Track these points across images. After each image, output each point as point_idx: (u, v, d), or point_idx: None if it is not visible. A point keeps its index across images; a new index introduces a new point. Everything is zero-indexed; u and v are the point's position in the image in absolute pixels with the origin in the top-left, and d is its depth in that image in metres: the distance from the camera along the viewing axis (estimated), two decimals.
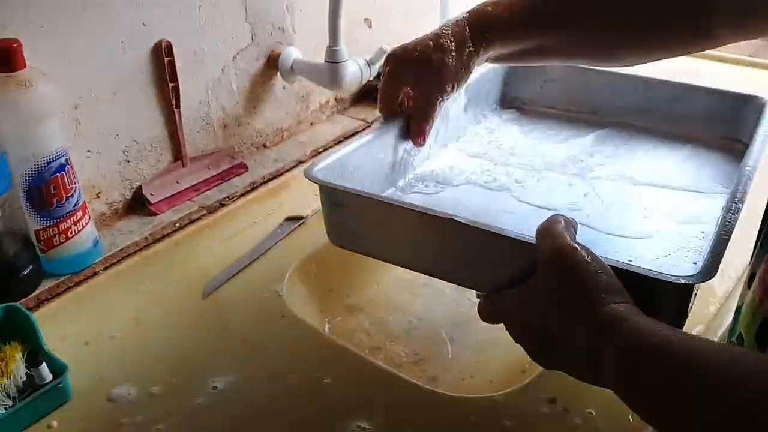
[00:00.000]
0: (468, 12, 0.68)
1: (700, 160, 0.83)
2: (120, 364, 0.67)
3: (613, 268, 0.47)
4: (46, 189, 0.70)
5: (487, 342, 0.79)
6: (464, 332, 0.81)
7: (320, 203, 0.63)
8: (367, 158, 0.69)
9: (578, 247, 0.46)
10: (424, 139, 0.71)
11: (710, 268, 0.49)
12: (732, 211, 0.56)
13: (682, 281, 0.48)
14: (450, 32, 0.66)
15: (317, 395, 0.63)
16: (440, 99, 0.68)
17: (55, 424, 0.61)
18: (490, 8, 0.68)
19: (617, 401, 0.58)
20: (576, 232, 0.49)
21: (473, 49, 0.66)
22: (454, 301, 0.85)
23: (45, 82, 0.68)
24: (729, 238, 0.53)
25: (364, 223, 0.60)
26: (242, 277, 0.78)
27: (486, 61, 0.70)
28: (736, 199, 0.58)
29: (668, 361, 0.40)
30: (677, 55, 0.68)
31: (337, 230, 0.63)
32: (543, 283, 0.46)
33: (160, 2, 0.80)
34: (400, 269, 0.90)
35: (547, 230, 0.47)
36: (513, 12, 0.67)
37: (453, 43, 0.66)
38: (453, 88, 0.68)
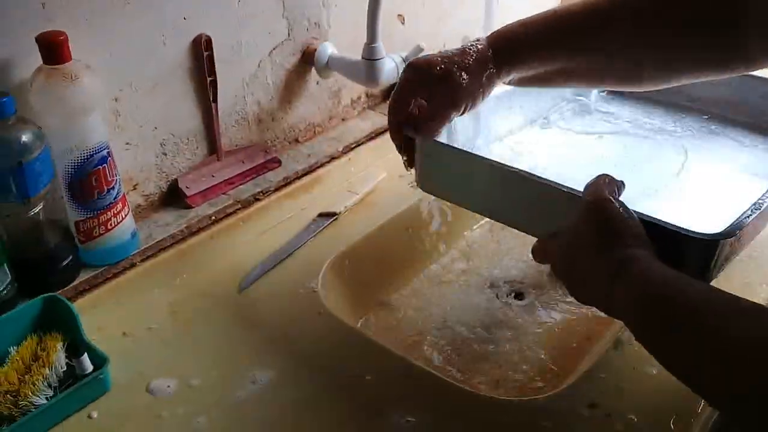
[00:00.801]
0: (494, 32, 0.67)
1: None
2: (158, 356, 0.68)
3: (643, 222, 0.53)
4: (88, 181, 0.70)
5: (522, 344, 0.79)
6: (497, 333, 0.81)
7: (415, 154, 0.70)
8: None
9: (612, 199, 0.53)
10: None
11: (733, 228, 0.54)
12: None
13: (701, 237, 0.53)
14: (473, 51, 0.66)
15: (358, 392, 0.63)
16: (451, 117, 0.67)
17: (95, 414, 0.62)
18: (516, 29, 0.67)
19: (659, 407, 0.58)
20: (620, 192, 0.56)
21: (494, 71, 0.66)
22: (487, 301, 0.85)
23: (89, 75, 0.68)
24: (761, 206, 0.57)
25: (450, 173, 0.69)
26: (277, 272, 0.78)
27: (508, 83, 0.69)
28: None
29: (669, 300, 0.47)
30: (710, 78, 0.66)
31: (425, 179, 0.71)
32: (581, 227, 0.53)
33: None
34: (433, 266, 0.90)
35: (591, 185, 0.55)
36: (539, 33, 0.66)
37: (475, 63, 0.65)
38: (467, 107, 0.67)
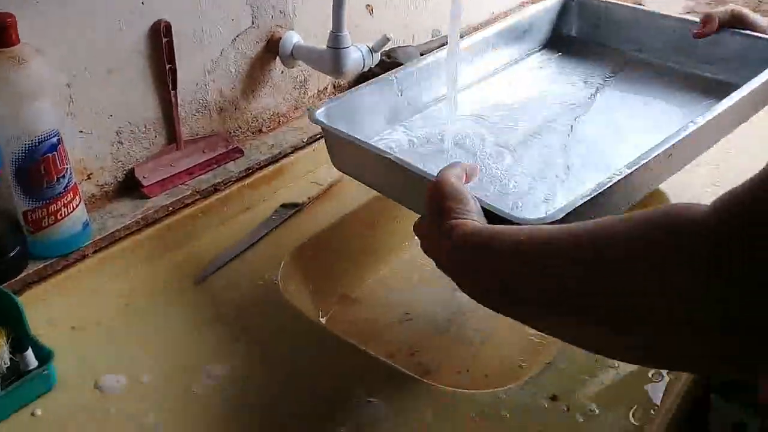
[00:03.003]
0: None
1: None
2: (108, 351, 0.66)
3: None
4: (36, 169, 0.67)
5: (482, 336, 0.78)
6: (459, 326, 0.80)
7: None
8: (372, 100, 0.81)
9: (448, 179, 0.58)
10: None
11: (556, 214, 0.58)
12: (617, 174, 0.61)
13: (518, 221, 0.56)
14: None
15: (315, 385, 0.61)
16: None
17: (39, 412, 0.60)
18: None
19: (619, 398, 0.57)
20: (472, 175, 0.63)
21: None
22: (449, 294, 0.83)
23: (38, 59, 0.66)
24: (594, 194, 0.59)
25: (345, 156, 0.75)
26: (236, 264, 0.76)
27: None
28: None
29: (481, 247, 0.50)
30: None
31: (333, 159, 0.78)
32: (426, 203, 0.58)
33: None
34: (395, 259, 0.89)
35: (442, 169, 0.60)
36: None
37: None
38: None
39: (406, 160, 0.66)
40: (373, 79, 0.84)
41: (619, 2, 1.01)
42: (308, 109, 0.77)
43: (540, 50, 1.02)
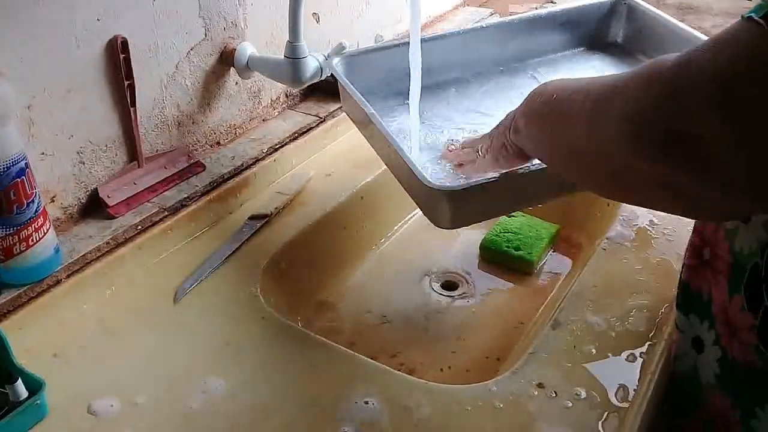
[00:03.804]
0: None
1: None
2: (95, 375, 0.65)
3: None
4: (6, 195, 0.65)
5: (460, 333, 0.81)
6: (435, 324, 0.83)
7: None
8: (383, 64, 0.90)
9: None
10: None
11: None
12: None
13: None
14: None
15: (311, 391, 0.63)
16: None
17: None
18: None
19: (601, 380, 0.62)
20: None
21: None
22: (424, 295, 0.86)
23: (1, 81, 0.64)
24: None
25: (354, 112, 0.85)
26: (213, 279, 0.76)
27: None
28: None
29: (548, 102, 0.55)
30: None
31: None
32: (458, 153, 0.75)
33: None
34: (367, 263, 0.91)
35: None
36: None
37: None
38: None
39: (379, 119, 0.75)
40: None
41: (667, 16, 0.96)
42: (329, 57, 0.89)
43: (578, 49, 1.01)
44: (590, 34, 1.01)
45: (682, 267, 0.63)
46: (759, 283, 0.52)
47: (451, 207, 0.66)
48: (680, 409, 0.66)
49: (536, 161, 0.64)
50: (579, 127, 0.48)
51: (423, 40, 0.81)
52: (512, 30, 0.97)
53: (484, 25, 1.00)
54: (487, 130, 0.70)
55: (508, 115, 0.65)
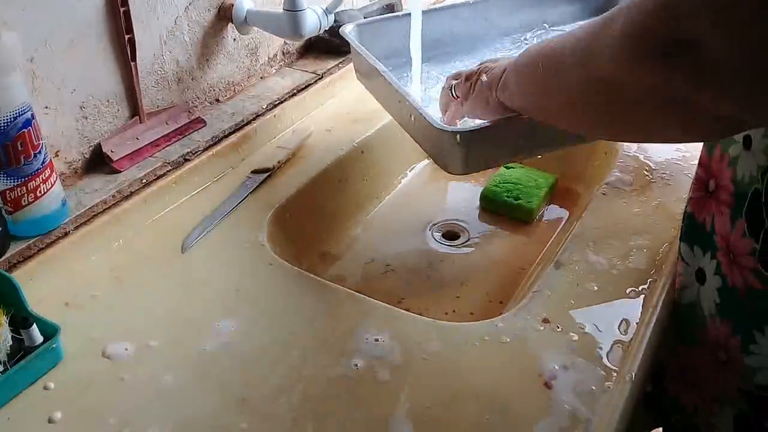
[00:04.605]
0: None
1: None
2: (108, 321, 0.66)
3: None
4: (13, 146, 0.66)
5: (463, 279, 0.82)
6: (438, 271, 0.84)
7: None
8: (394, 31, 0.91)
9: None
10: None
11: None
12: None
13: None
14: None
15: (321, 331, 0.64)
16: None
17: (52, 385, 0.59)
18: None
19: (604, 314, 0.63)
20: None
21: None
22: (425, 243, 0.87)
23: (6, 31, 0.64)
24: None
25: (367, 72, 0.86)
26: (219, 230, 0.77)
27: None
28: None
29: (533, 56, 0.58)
30: None
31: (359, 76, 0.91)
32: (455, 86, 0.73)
33: None
34: (369, 216, 0.92)
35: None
36: None
37: None
38: None
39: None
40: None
41: None
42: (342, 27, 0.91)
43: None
44: (599, 6, 1.02)
45: (688, 200, 0.65)
46: (759, 207, 0.53)
47: (463, 150, 0.67)
48: (684, 337, 0.68)
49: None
50: (573, 58, 0.49)
51: (433, 10, 0.85)
52: (522, 1, 0.97)
53: None
54: None
55: (491, 70, 0.66)
